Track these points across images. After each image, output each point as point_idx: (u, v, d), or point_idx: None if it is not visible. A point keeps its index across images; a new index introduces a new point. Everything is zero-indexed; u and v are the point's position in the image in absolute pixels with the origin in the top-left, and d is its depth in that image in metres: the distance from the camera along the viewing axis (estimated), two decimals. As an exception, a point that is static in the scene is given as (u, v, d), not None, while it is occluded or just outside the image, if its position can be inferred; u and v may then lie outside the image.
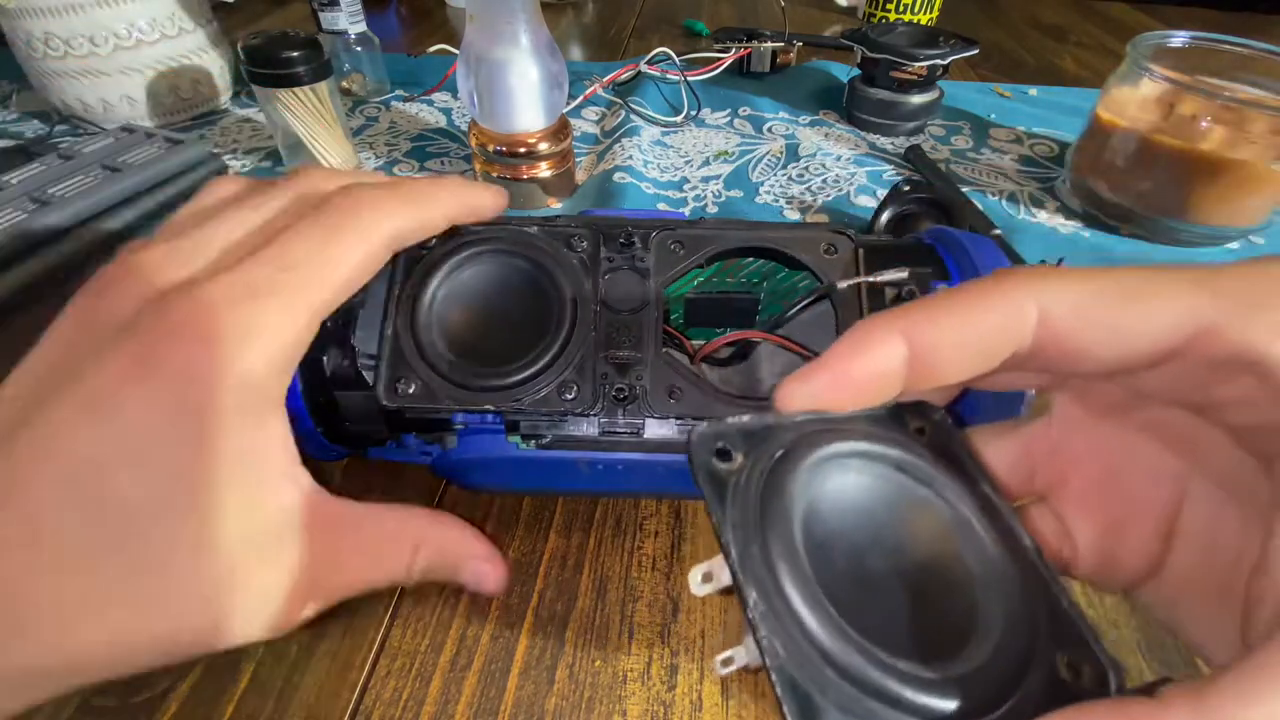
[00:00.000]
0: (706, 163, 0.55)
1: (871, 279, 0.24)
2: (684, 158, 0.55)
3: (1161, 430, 0.17)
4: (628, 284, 0.24)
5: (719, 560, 0.14)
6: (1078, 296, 0.14)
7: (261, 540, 0.17)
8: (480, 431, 0.24)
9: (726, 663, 0.14)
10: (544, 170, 0.47)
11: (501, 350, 0.23)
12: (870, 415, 0.17)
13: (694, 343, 0.27)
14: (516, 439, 0.23)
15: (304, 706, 0.22)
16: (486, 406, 0.22)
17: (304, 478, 0.19)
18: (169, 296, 0.16)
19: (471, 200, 0.22)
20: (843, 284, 0.24)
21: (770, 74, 0.70)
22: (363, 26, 0.62)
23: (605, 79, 0.65)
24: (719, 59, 0.69)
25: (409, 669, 0.23)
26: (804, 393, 0.15)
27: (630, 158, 0.52)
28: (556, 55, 0.43)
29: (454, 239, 0.23)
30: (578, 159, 0.54)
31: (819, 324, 0.26)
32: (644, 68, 0.66)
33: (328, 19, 0.61)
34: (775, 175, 0.53)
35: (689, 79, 0.65)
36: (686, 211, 0.48)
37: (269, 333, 0.17)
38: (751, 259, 0.27)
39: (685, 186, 0.51)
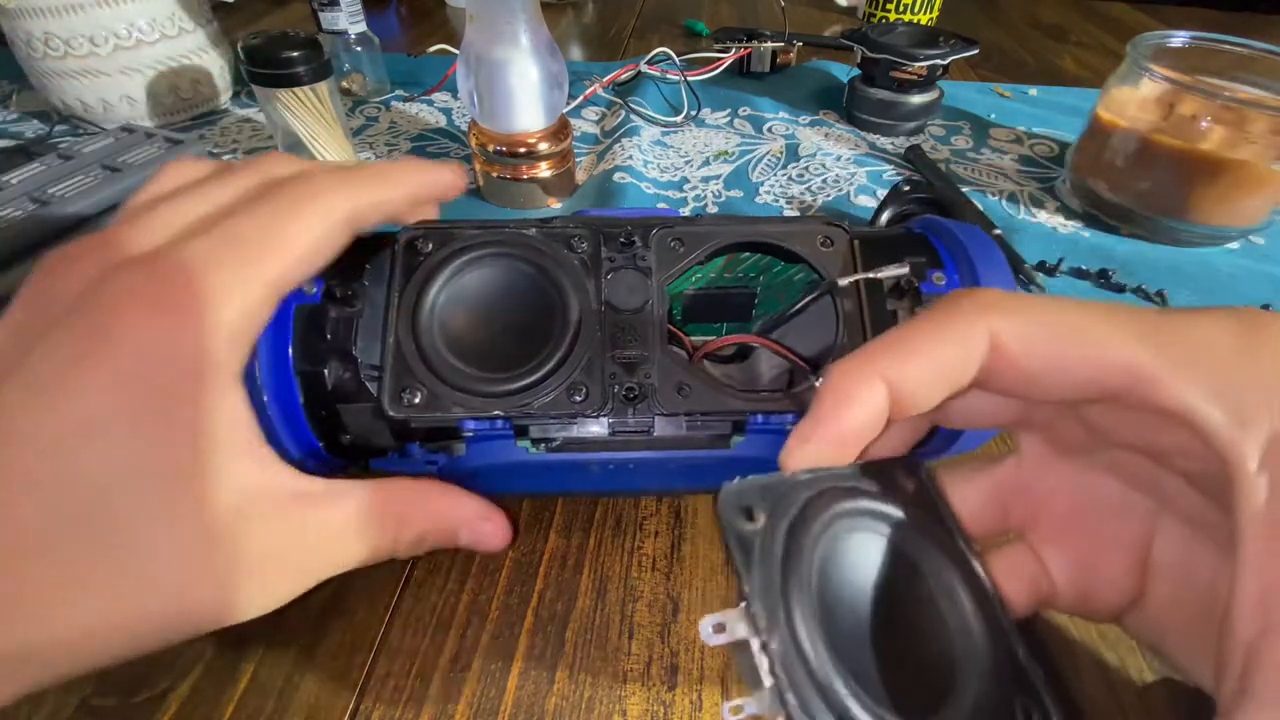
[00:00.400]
0: (706, 163, 0.55)
1: (872, 275, 0.24)
2: (684, 158, 0.55)
3: (1124, 471, 0.18)
4: (630, 283, 0.24)
5: (733, 613, 0.15)
6: (1026, 325, 0.15)
7: (227, 520, 0.16)
8: (488, 438, 0.23)
9: (736, 710, 0.14)
10: (544, 170, 0.47)
11: (506, 355, 0.23)
12: (867, 469, 0.18)
13: (693, 340, 0.27)
14: (526, 443, 0.23)
15: (304, 706, 0.22)
16: (496, 412, 0.22)
17: (268, 455, 0.18)
18: (120, 268, 0.16)
19: (430, 178, 0.22)
20: (844, 281, 0.24)
21: (770, 74, 0.70)
22: (363, 26, 0.62)
23: (605, 79, 0.65)
24: (719, 59, 0.69)
25: (409, 669, 0.23)
26: (807, 454, 0.16)
27: (630, 158, 0.52)
28: (556, 55, 0.43)
29: (452, 243, 0.23)
30: (578, 159, 0.54)
31: (819, 317, 0.26)
32: (644, 68, 0.66)
33: (328, 19, 0.61)
34: (775, 175, 0.53)
35: (689, 79, 0.65)
36: (686, 212, 0.48)
37: (225, 303, 0.16)
38: (749, 253, 0.27)
39: (685, 186, 0.51)
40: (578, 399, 0.22)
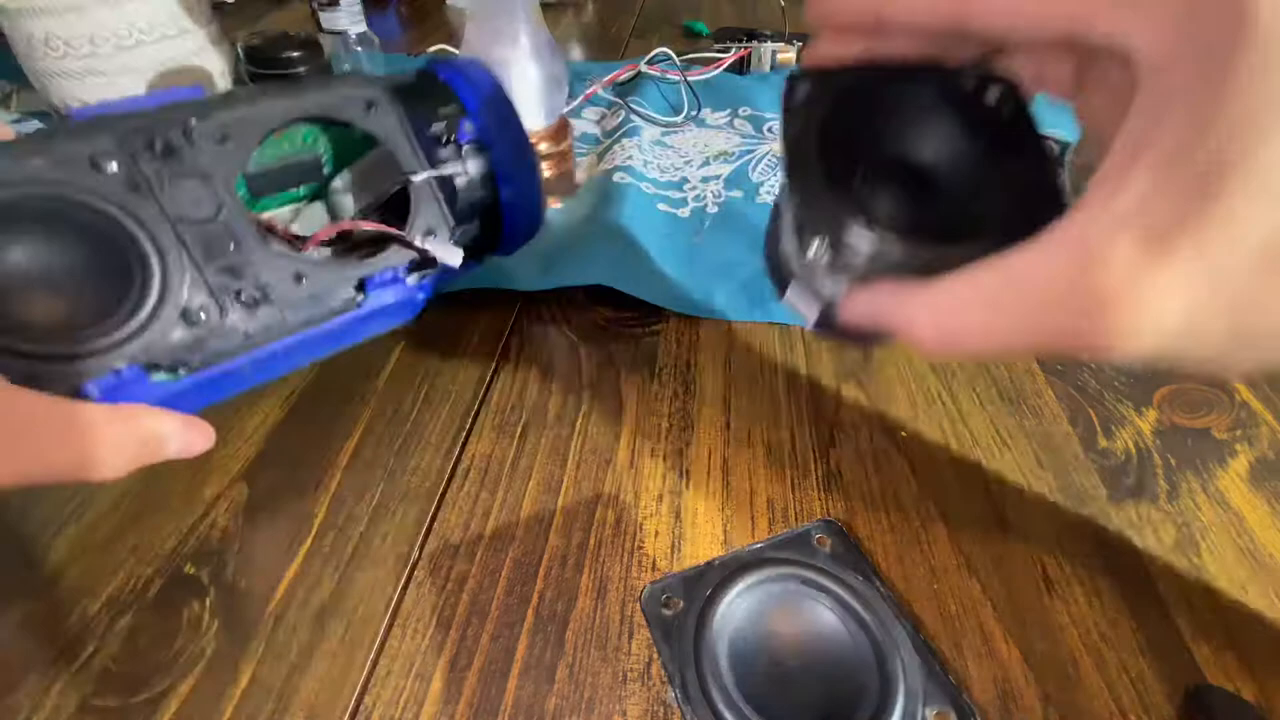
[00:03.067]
0: (706, 163, 0.55)
1: (438, 173, 0.27)
2: (684, 158, 0.55)
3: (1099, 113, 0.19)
4: (192, 193, 0.22)
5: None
6: None
7: None
8: (120, 389, 0.22)
9: None
10: (544, 170, 0.47)
11: (96, 306, 0.21)
12: (782, 541, 0.25)
13: (292, 228, 0.29)
14: (162, 376, 0.22)
15: (304, 706, 0.22)
16: (119, 366, 0.21)
17: None
18: None
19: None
20: (418, 178, 0.27)
21: (770, 74, 0.70)
22: (363, 26, 0.63)
23: (605, 79, 0.65)
24: (719, 59, 0.69)
25: (409, 669, 0.23)
26: (814, 53, 0.20)
27: (630, 158, 0.52)
28: (556, 55, 0.43)
29: None
30: (578, 159, 0.54)
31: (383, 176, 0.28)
32: (644, 68, 0.66)
33: (328, 19, 0.61)
34: (776, 175, 0.53)
35: (689, 79, 0.65)
36: (687, 212, 0.48)
37: None
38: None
39: (685, 186, 0.51)
40: (199, 320, 0.21)
